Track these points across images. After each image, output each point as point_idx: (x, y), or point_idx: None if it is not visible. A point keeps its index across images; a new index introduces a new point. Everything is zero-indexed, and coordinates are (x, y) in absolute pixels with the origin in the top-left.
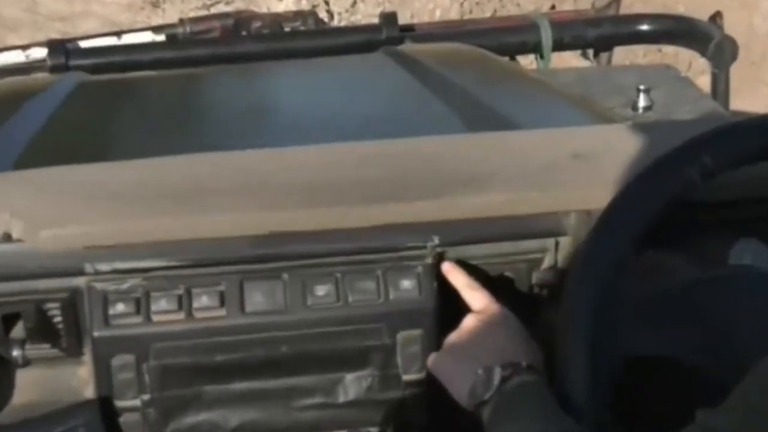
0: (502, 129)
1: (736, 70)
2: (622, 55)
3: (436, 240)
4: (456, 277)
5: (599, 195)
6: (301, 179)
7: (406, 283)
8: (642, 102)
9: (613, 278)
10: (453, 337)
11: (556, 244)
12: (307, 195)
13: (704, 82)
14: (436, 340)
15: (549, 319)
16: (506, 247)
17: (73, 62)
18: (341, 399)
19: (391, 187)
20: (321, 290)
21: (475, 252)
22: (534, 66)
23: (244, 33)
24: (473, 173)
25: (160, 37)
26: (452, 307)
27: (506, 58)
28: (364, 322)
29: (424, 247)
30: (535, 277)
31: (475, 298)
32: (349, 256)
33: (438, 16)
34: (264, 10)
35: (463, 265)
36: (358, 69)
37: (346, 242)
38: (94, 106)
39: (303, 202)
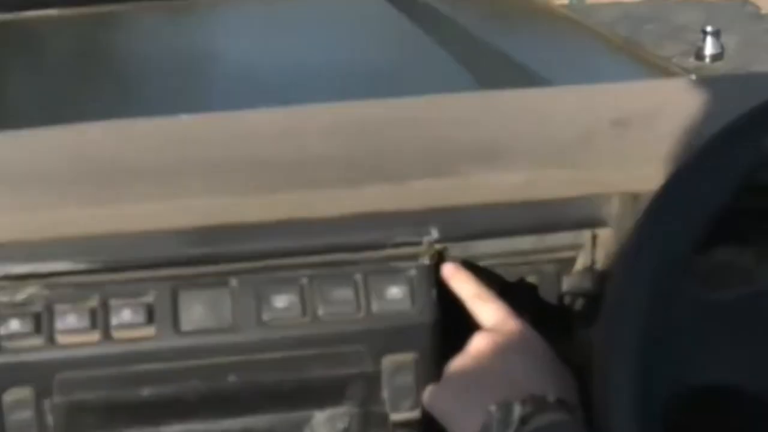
0: (524, 86)
1: None
2: None
3: (435, 233)
4: (461, 283)
5: (650, 173)
6: (256, 153)
7: (395, 291)
8: (709, 48)
9: (669, 285)
10: (457, 363)
11: (593, 238)
12: (264, 174)
13: None
14: (434, 367)
15: (584, 340)
16: (528, 242)
17: None
18: None
19: (377, 162)
20: (281, 301)
21: (486, 249)
22: (566, 1)
23: None
24: (485, 144)
25: None
26: (456, 323)
27: None
28: (339, 343)
29: (419, 243)
30: (566, 283)
31: (487, 311)
32: (319, 255)
33: None
34: None
35: (471, 267)
36: (338, 9)
37: (314, 237)
38: None
39: (258, 184)
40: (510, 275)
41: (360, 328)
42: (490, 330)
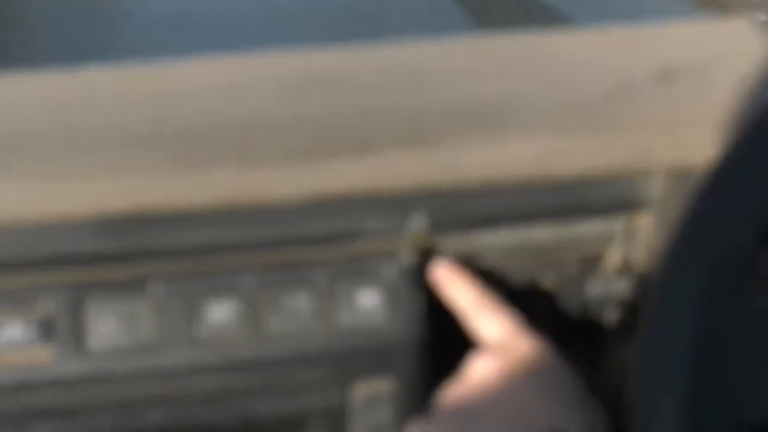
0: (539, 27)
1: None
2: None
3: (421, 222)
4: (456, 287)
5: (703, 142)
6: (185, 117)
7: (368, 299)
8: None
9: (727, 289)
10: (451, 393)
11: (629, 227)
12: (195, 144)
13: None
14: (419, 398)
15: (617, 360)
16: (543, 233)
17: None
18: None
19: (345, 127)
20: (218, 312)
21: (489, 243)
22: None
23: None
24: (487, 104)
25: None
26: (448, 340)
27: None
28: (295, 366)
29: (400, 235)
30: (593, 287)
31: (490, 324)
32: (269, 250)
33: None
34: None
35: (469, 266)
36: None
37: (261, 226)
38: None
39: (187, 157)
40: (520, 277)
41: (322, 348)
42: (494, 349)
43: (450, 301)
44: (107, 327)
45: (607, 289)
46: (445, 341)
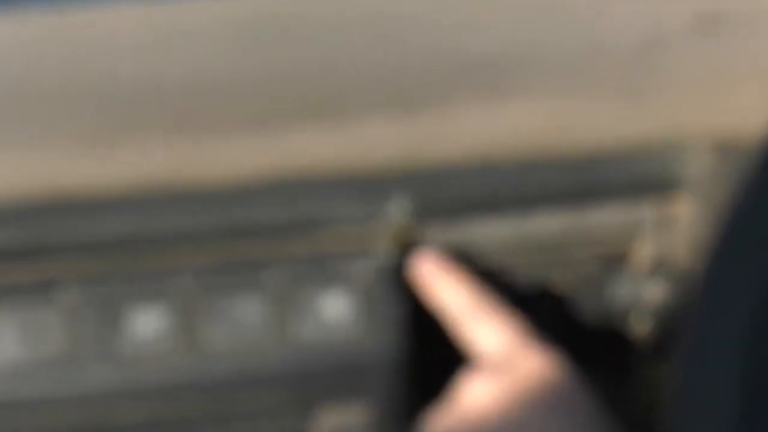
0: None
1: None
2: None
3: (401, 206)
4: (444, 289)
5: (752, 109)
6: (105, 78)
7: (333, 304)
8: None
9: None
10: (438, 420)
11: (662, 214)
12: (117, 113)
13: None
14: (397, 426)
15: (648, 379)
16: (555, 222)
17: None
18: None
19: (306, 90)
20: (146, 321)
21: (486, 234)
22: None
23: None
24: (484, 59)
25: None
26: (434, 354)
27: None
28: (241, 388)
29: (374, 222)
30: (617, 290)
31: (487, 334)
32: (209, 243)
33: None
34: None
35: (461, 262)
36: None
37: (199, 213)
38: None
39: (106, 130)
40: (525, 277)
41: (277, 367)
42: (492, 365)
43: (437, 306)
44: (7, 340)
45: (634, 293)
46: (432, 357)
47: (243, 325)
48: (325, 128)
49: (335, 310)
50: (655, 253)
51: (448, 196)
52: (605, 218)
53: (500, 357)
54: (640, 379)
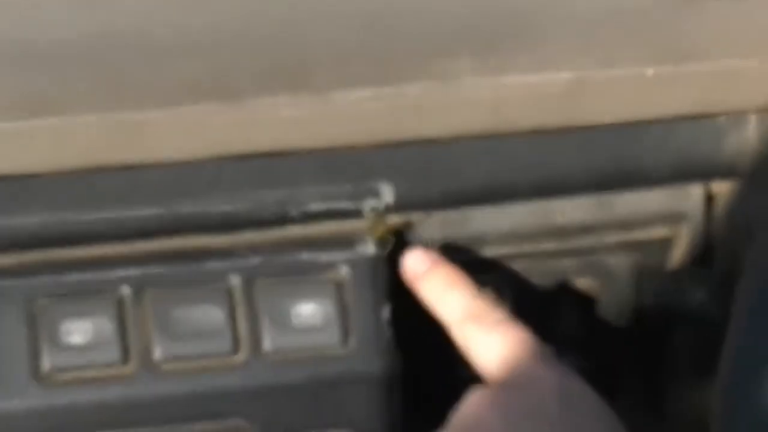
0: None
1: None
2: None
3: (387, 194)
4: (441, 291)
5: None
6: (14, 27)
7: (307, 310)
8: None
9: None
10: None
11: (707, 200)
12: (30, 71)
13: None
14: None
15: (686, 408)
16: (572, 210)
17: None
18: None
19: (270, 50)
20: (77, 332)
21: (490, 226)
22: None
23: None
24: (488, 11)
25: None
26: (429, 368)
27: None
28: (197, 411)
29: (356, 215)
30: (652, 293)
31: (493, 346)
32: (152, 237)
33: None
34: None
35: (461, 261)
36: None
37: (139, 200)
38: None
39: (14, 92)
40: (539, 276)
41: (239, 386)
42: (498, 382)
43: (431, 309)
44: None
45: (673, 296)
46: (427, 372)
47: (197, 335)
48: (294, 96)
49: (309, 317)
50: (700, 246)
51: (442, 181)
52: (637, 203)
53: (506, 372)
54: (676, 404)
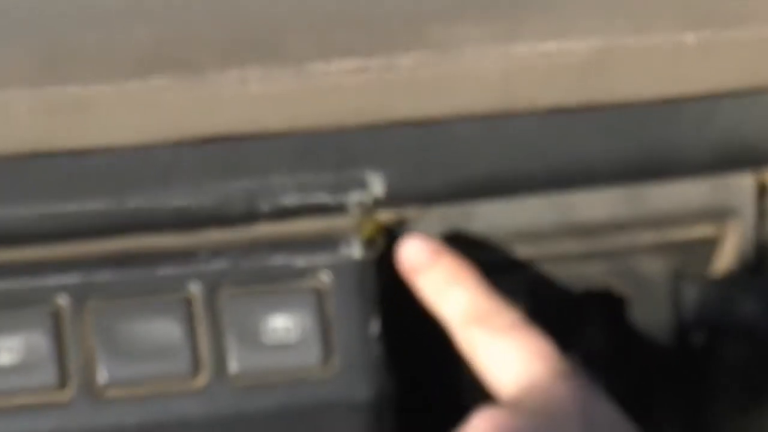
0: None
1: None
2: None
3: (376, 186)
4: (441, 289)
5: None
6: None
7: (283, 323)
8: None
9: None
10: None
11: (758, 192)
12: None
13: None
14: None
15: (732, 424)
16: (598, 204)
17: None
18: None
19: (241, 22)
20: (12, 351)
21: (499, 222)
22: None
23: None
24: None
25: None
26: (429, 383)
27: None
28: None
29: (341, 209)
30: (690, 301)
31: (505, 357)
32: (100, 236)
33: None
34: None
35: (468, 257)
36: None
37: (90, 192)
38: None
39: None
40: (558, 286)
41: (200, 414)
42: (512, 400)
43: (433, 310)
44: None
45: (719, 307)
46: (423, 396)
47: (155, 353)
48: (267, 72)
49: (285, 331)
50: (751, 247)
51: (441, 168)
52: (674, 196)
53: (522, 390)
54: (720, 428)
